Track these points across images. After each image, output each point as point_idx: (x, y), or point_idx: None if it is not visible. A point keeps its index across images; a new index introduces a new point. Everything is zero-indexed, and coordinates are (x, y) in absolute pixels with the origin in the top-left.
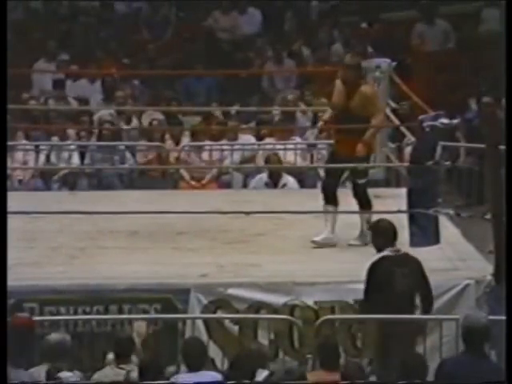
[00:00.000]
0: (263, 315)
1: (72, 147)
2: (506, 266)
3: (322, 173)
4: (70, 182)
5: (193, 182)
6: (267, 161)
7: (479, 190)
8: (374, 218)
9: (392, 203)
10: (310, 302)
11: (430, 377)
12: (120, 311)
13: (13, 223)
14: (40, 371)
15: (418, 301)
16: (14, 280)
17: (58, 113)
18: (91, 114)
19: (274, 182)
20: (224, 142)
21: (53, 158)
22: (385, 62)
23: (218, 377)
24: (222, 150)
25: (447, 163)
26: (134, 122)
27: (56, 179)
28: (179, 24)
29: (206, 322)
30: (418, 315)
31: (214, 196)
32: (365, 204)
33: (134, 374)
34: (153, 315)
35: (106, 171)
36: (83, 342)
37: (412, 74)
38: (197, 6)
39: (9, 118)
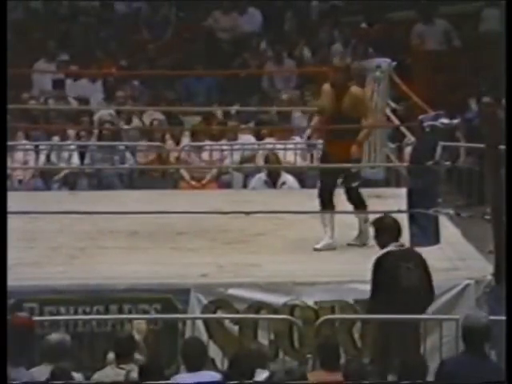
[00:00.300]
0: (263, 315)
1: (72, 147)
2: (506, 266)
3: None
4: (70, 181)
5: (193, 182)
6: (266, 160)
7: (479, 190)
8: (372, 217)
9: (392, 203)
10: (310, 302)
11: (430, 377)
12: (120, 311)
13: (13, 223)
14: (41, 371)
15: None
16: (14, 280)
17: (58, 113)
18: (91, 113)
19: (272, 180)
20: (224, 141)
21: (53, 158)
22: (385, 62)
23: (218, 377)
24: (222, 150)
25: (447, 163)
26: (135, 122)
27: (56, 179)
28: (179, 24)
29: (205, 322)
30: (418, 315)
31: (213, 196)
32: (359, 205)
33: (134, 374)
34: (153, 315)
35: (105, 171)
36: (83, 342)
37: (412, 74)
38: (197, 5)
39: (9, 117)
